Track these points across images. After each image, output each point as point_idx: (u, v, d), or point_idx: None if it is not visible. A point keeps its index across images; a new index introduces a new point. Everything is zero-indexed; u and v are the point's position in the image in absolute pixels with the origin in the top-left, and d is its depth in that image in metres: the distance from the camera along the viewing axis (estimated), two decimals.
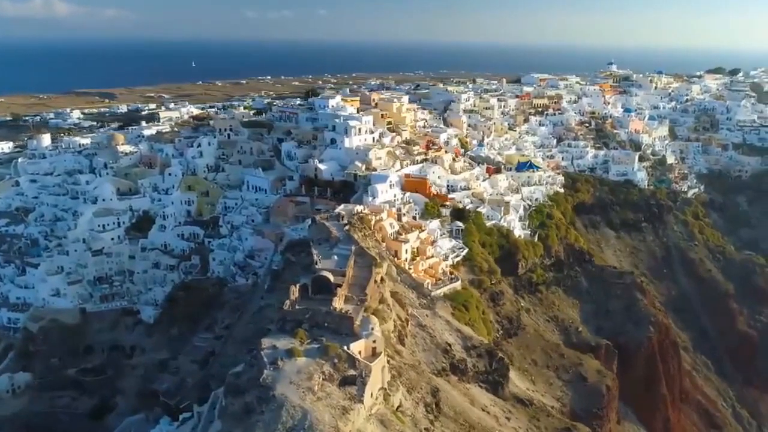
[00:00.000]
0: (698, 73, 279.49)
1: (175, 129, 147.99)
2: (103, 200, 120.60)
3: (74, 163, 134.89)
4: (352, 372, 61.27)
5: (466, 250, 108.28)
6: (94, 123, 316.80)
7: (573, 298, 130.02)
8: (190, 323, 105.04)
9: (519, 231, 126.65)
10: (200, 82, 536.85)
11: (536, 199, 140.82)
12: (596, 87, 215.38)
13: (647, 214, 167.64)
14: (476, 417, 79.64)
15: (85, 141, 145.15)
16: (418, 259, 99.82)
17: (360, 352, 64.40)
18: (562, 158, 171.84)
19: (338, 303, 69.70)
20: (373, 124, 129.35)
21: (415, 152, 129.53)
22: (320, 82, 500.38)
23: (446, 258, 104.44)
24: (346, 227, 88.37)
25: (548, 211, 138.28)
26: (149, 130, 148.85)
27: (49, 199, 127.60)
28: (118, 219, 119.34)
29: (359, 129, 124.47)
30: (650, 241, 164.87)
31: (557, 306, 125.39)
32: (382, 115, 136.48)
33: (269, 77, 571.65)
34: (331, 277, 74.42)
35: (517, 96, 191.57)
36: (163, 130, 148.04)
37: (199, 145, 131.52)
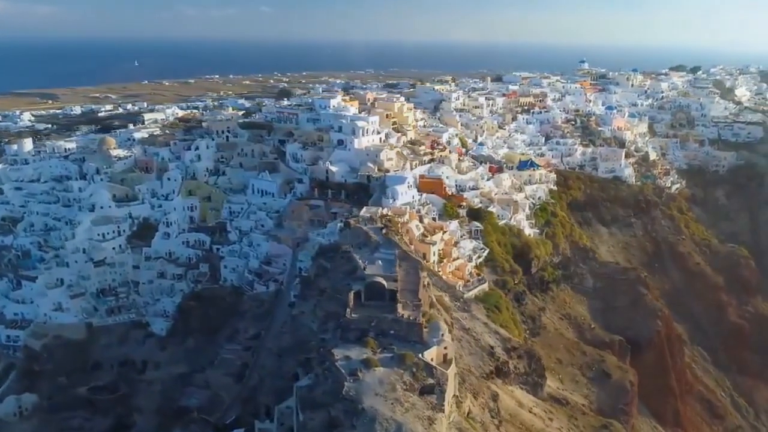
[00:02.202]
0: (664, 71, 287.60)
1: (167, 131, 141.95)
2: (101, 207, 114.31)
3: (61, 168, 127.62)
4: (430, 380, 59.13)
5: (488, 250, 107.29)
6: (49, 125, 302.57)
7: (581, 295, 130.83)
8: (208, 334, 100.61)
9: (528, 230, 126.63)
10: (146, 82, 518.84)
11: (539, 198, 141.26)
12: (578, 85, 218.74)
13: (636, 209, 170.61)
14: (527, 419, 78.63)
15: (71, 145, 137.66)
16: (445, 261, 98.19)
17: (432, 359, 62.33)
18: (552, 156, 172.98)
19: (401, 309, 67.36)
20: (379, 125, 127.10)
21: (422, 152, 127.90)
22: (272, 81, 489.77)
23: (470, 259, 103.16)
24: (384, 230, 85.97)
25: (552, 209, 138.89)
26: (139, 133, 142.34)
27: (39, 208, 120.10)
28: (118, 227, 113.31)
29: (366, 130, 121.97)
30: (640, 236, 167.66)
31: (568, 304, 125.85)
32: (387, 115, 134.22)
33: (217, 76, 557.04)
34: (385, 283, 71.97)
35: (503, 95, 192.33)
36: (155, 133, 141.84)
37: (197, 148, 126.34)
